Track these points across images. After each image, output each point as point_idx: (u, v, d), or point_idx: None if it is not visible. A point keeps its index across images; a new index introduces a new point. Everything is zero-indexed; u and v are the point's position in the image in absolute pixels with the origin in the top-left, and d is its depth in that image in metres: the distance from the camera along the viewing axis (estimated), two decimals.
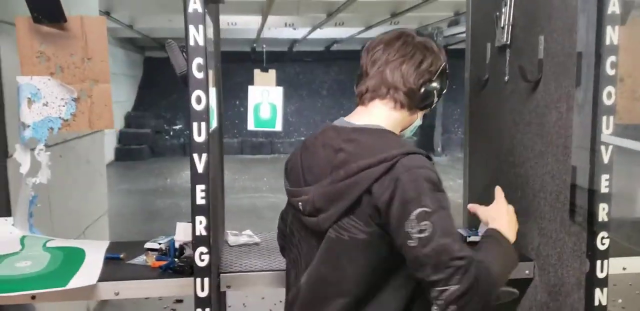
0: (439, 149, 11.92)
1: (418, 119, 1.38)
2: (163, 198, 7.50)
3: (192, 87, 1.30)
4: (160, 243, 1.75)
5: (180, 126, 12.64)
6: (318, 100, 13.99)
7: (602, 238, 1.49)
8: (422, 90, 1.27)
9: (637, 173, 1.71)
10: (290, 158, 1.39)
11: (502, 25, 1.90)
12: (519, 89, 1.84)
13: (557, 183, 1.64)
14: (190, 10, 1.27)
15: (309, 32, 10.48)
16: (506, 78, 1.91)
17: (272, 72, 7.68)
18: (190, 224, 1.43)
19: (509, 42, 1.88)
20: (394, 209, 1.10)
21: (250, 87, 6.63)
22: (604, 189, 1.46)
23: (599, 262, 1.50)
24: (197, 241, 1.40)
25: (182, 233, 1.70)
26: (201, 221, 1.36)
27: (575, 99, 1.53)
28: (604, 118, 1.43)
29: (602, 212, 1.47)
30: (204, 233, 1.38)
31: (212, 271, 1.45)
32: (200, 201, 1.33)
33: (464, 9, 8.08)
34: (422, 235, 1.07)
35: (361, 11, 8.02)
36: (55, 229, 2.79)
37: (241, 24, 9.63)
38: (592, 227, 1.49)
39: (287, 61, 13.92)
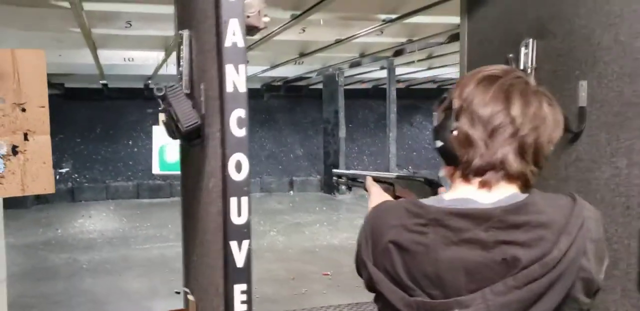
0: (343, 187, 11.86)
1: None
2: (57, 252, 6.61)
3: (229, 150, 0.94)
4: None
5: (68, 169, 11.53)
6: None
7: None
8: None
9: None
10: (379, 265, 0.96)
11: (521, 69, 1.72)
12: None
13: (616, 248, 1.44)
14: (227, 44, 0.92)
15: None
16: None
17: None
18: None
19: None
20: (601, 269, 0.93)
21: (154, 127, 6.07)
22: None
23: None
24: None
25: None
26: None
27: None
28: None
29: None
30: None
31: None
32: (240, 307, 0.94)
33: (370, 51, 8.11)
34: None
35: (271, 49, 7.83)
36: None
37: (139, 60, 9.06)
38: None
39: None
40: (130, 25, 6.00)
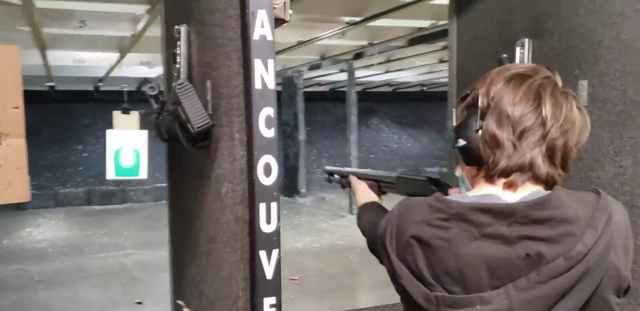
0: (304, 190, 11.81)
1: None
2: (5, 263, 6.26)
3: (257, 152, 0.86)
4: None
5: None
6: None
7: None
8: None
9: None
10: (401, 259, 0.94)
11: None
12: None
13: None
14: (255, 37, 0.85)
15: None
16: None
17: (135, 114, 6.84)
18: None
19: None
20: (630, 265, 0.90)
21: (108, 131, 5.75)
22: None
23: None
24: None
25: None
26: None
27: None
28: None
29: None
30: None
31: None
32: None
33: (330, 53, 8.12)
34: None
35: None
36: None
37: (91, 61, 8.76)
38: None
39: (135, 101, 13.00)
40: (85, 24, 5.77)
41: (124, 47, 7.08)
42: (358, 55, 7.84)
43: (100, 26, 5.77)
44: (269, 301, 0.85)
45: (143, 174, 8.61)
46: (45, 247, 7.21)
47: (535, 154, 0.90)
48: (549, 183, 0.92)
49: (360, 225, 1.21)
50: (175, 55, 1.29)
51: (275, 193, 0.86)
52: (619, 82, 1.43)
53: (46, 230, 8.45)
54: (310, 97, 12.01)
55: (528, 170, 0.90)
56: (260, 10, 0.84)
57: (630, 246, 0.91)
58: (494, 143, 0.91)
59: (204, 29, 1.14)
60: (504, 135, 0.90)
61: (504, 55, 1.74)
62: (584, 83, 1.51)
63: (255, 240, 0.86)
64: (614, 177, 1.45)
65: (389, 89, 13.28)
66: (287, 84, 11.14)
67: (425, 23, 5.65)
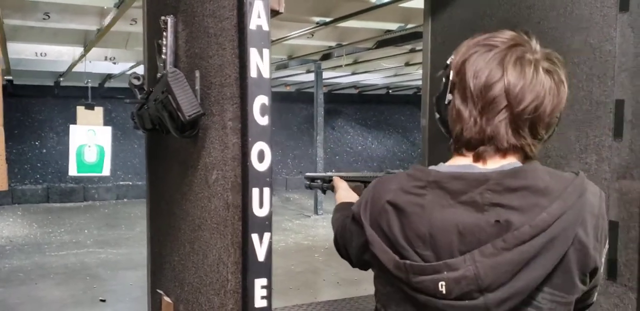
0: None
1: None
2: None
3: (252, 138, 0.88)
4: None
5: None
6: (134, 140, 13.00)
7: None
8: None
9: None
10: (374, 226, 0.96)
11: None
12: None
13: None
14: (252, 26, 0.87)
15: (132, 67, 9.71)
16: None
17: (99, 110, 6.89)
18: None
19: None
20: (601, 249, 0.90)
21: (72, 127, 5.82)
22: None
23: None
24: None
25: None
26: None
27: (615, 150, 1.43)
28: None
29: None
30: None
31: None
32: (260, 303, 0.89)
33: (298, 53, 8.11)
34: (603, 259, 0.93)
35: None
36: None
37: (52, 55, 8.55)
38: None
39: (97, 97, 12.74)
40: (49, 17, 5.64)
41: (88, 42, 6.94)
42: (326, 56, 7.90)
43: (65, 19, 5.65)
44: (260, 283, 0.87)
45: (106, 171, 8.46)
46: (3, 245, 7.01)
47: (497, 126, 0.89)
48: (519, 153, 0.93)
49: (333, 219, 1.21)
50: (161, 46, 1.30)
51: (268, 179, 0.89)
52: (586, 83, 1.50)
53: (4, 228, 8.21)
54: (276, 98, 12.01)
55: (491, 142, 0.91)
56: (257, 1, 0.87)
57: (602, 230, 0.90)
58: (458, 117, 0.92)
59: (193, 20, 1.15)
60: (468, 109, 0.91)
61: None
62: None
63: (247, 224, 0.89)
64: None
65: (355, 91, 13.39)
66: None
67: (393, 26, 5.74)
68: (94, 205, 10.56)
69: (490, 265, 0.84)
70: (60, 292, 5.03)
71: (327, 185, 1.60)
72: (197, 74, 1.13)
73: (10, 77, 10.45)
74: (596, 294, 0.99)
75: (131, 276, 5.44)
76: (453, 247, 0.87)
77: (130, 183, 11.72)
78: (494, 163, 0.92)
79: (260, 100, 0.88)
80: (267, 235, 0.89)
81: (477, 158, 0.93)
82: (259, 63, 0.88)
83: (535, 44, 0.93)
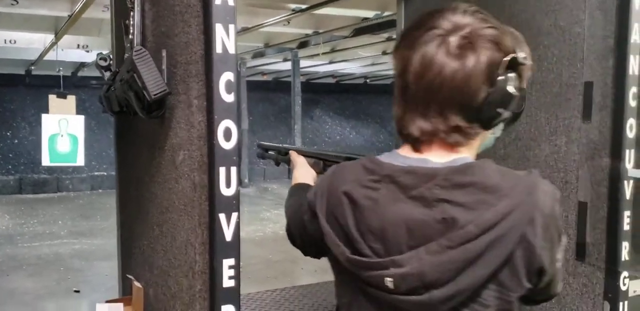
0: (246, 180, 11.74)
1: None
2: None
3: (218, 116, 0.87)
4: None
5: None
6: (109, 130, 12.79)
7: (624, 278, 1.41)
8: None
9: None
10: (329, 217, 0.95)
11: None
12: None
13: None
14: (217, 1, 0.85)
15: None
16: None
17: (72, 99, 6.69)
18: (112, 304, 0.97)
19: None
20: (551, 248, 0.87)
21: (44, 116, 5.64)
22: (625, 226, 1.39)
23: (621, 304, 1.41)
24: None
25: None
26: None
27: (584, 131, 1.45)
28: (627, 151, 1.36)
29: (624, 251, 1.39)
30: None
31: None
32: (228, 283, 0.88)
33: (275, 41, 8.03)
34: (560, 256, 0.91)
35: None
36: None
37: (22, 43, 8.35)
38: (614, 266, 1.40)
39: (70, 87, 12.50)
40: (17, 2, 5.50)
41: (59, 29, 6.79)
42: (303, 44, 7.85)
43: (34, 5, 5.51)
44: (228, 263, 0.86)
45: (80, 161, 8.31)
46: None
47: (409, 116, 0.89)
48: (470, 147, 0.91)
49: (286, 204, 1.17)
50: (128, 27, 1.27)
51: (235, 157, 0.88)
52: (556, 66, 1.51)
53: None
54: (253, 87, 11.94)
55: (408, 136, 0.90)
56: None
57: (555, 231, 0.86)
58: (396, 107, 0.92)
59: None
60: (398, 100, 0.91)
61: None
62: None
63: (214, 204, 0.87)
64: (549, 155, 1.54)
65: (333, 81, 13.36)
66: None
67: (369, 13, 5.72)
68: (68, 196, 10.40)
69: (434, 263, 0.83)
70: (33, 283, 4.95)
71: (282, 158, 1.48)
72: (164, 53, 1.11)
73: None
74: (559, 286, 0.96)
75: (106, 267, 5.38)
76: (401, 242, 0.86)
77: (105, 173, 11.55)
78: (441, 157, 0.89)
79: (226, 77, 0.87)
80: (234, 215, 0.88)
81: (410, 150, 0.92)
82: (225, 39, 0.86)
83: (457, 18, 0.88)
